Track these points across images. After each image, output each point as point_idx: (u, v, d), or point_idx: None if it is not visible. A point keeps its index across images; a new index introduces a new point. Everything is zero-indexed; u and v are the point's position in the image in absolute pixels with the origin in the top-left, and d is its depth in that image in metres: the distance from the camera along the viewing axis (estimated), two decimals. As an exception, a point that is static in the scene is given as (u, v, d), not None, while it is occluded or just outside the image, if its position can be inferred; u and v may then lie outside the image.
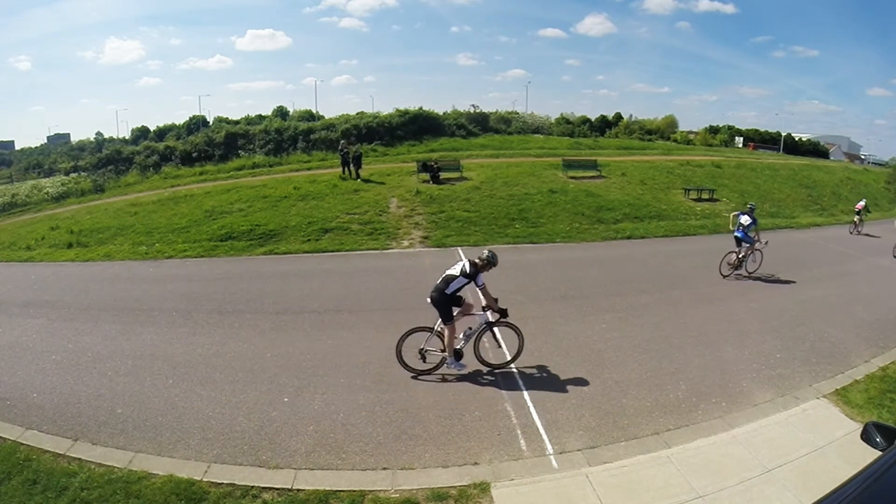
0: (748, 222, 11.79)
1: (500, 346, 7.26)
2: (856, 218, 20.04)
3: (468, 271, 6.67)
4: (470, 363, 7.21)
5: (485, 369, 7.22)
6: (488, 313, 7.08)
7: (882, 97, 72.02)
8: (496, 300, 6.86)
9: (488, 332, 7.27)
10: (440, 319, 6.86)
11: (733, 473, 5.27)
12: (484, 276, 6.81)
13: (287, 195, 19.50)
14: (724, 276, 11.87)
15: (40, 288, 12.49)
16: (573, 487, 5.15)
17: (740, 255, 11.91)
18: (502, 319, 6.97)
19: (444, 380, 7.14)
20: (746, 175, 26.94)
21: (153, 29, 74.87)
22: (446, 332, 6.86)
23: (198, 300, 10.66)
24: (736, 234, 11.95)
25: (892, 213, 25.84)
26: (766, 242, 12.17)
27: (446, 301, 6.72)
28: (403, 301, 10.38)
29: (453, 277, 6.72)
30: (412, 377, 7.07)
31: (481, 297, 6.89)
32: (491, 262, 6.78)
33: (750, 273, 12.16)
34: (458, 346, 7.00)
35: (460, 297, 6.87)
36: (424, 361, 7.06)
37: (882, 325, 9.44)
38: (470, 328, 7.13)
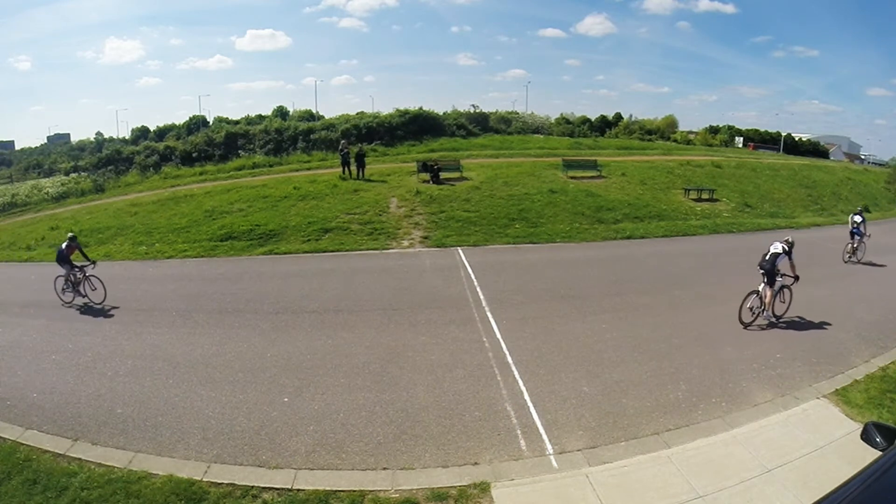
0: (860, 220, 14.58)
1: (783, 302, 9.49)
2: None
3: (787, 249, 9.10)
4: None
5: (774, 319, 9.31)
6: (785, 279, 9.29)
7: (882, 97, 71.93)
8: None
9: (779, 293, 9.39)
10: (764, 283, 9.10)
11: (733, 473, 5.27)
12: None
13: (287, 195, 19.50)
14: (846, 262, 14.50)
15: (40, 288, 12.48)
16: (573, 487, 5.16)
17: (854, 246, 14.68)
18: (794, 284, 9.32)
19: (443, 380, 7.18)
20: (746, 175, 26.91)
21: (153, 29, 74.83)
22: (768, 293, 9.10)
23: (198, 300, 10.67)
24: (852, 229, 14.66)
25: (893, 213, 25.87)
26: (870, 235, 14.83)
27: (774, 270, 8.99)
28: (403, 301, 10.39)
29: (779, 254, 9.06)
30: (743, 328, 9.00)
31: (782, 268, 9.16)
32: (793, 244, 9.26)
33: (859, 259, 14.65)
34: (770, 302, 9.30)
35: None
36: (752, 315, 9.14)
37: (882, 325, 9.43)
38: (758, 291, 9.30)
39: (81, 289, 10.76)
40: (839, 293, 11.49)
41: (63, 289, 10.86)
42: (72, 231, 11.74)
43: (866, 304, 10.70)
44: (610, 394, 6.86)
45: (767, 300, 9.14)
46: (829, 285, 11.96)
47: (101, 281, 10.74)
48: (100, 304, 10.57)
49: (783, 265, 9.13)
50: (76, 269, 10.73)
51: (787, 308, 9.56)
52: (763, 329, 9.12)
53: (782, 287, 9.41)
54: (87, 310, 10.43)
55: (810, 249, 13.87)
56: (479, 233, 16.01)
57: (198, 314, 9.86)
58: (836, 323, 9.44)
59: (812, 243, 14.06)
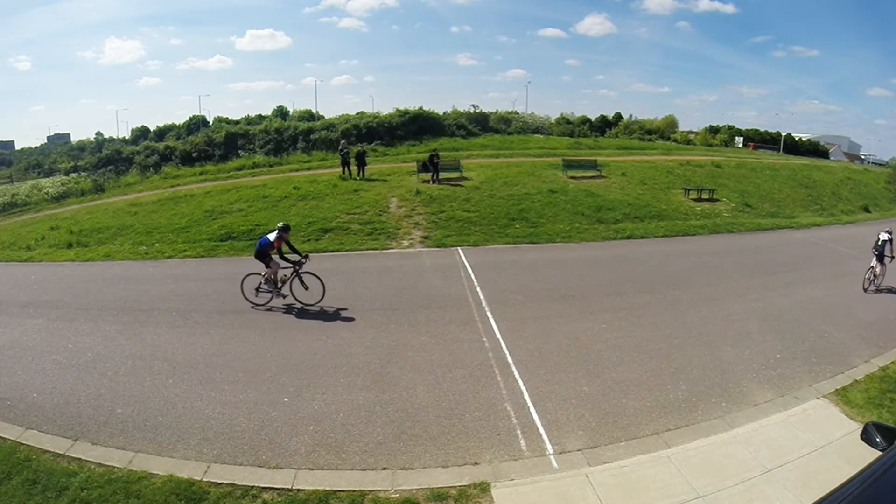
0: None
1: (883, 275, 11.81)
2: None
3: (893, 238, 11.56)
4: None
5: (878, 285, 11.72)
6: (887, 259, 11.72)
7: (882, 97, 72.14)
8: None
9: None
10: (875, 261, 11.68)
11: (733, 473, 5.27)
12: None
13: (287, 195, 19.49)
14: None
15: (40, 288, 12.49)
16: (573, 487, 5.16)
17: None
18: (891, 262, 11.74)
19: (443, 380, 7.18)
20: (746, 175, 26.90)
21: (153, 29, 75.05)
22: (879, 269, 11.70)
23: (198, 300, 10.65)
24: None
25: (893, 213, 25.85)
26: None
27: (883, 253, 11.56)
28: (403, 301, 10.38)
29: (886, 242, 11.54)
30: (864, 292, 11.51)
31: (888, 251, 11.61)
32: (893, 232, 11.70)
33: None
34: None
35: None
36: (869, 283, 11.68)
37: (882, 325, 9.44)
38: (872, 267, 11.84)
39: (286, 289, 9.50)
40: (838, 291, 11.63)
41: (257, 288, 9.45)
42: (282, 221, 10.16)
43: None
44: (610, 394, 6.86)
45: (878, 273, 11.78)
46: (827, 285, 11.98)
47: (318, 278, 9.36)
48: (314, 305, 9.38)
49: (888, 249, 11.58)
50: (286, 266, 9.27)
51: (884, 278, 11.83)
52: (765, 326, 9.14)
53: (884, 263, 11.80)
54: (87, 310, 10.41)
55: (810, 250, 13.86)
56: (479, 233, 16.00)
57: (198, 314, 9.85)
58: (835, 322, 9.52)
59: (811, 243, 14.03)
